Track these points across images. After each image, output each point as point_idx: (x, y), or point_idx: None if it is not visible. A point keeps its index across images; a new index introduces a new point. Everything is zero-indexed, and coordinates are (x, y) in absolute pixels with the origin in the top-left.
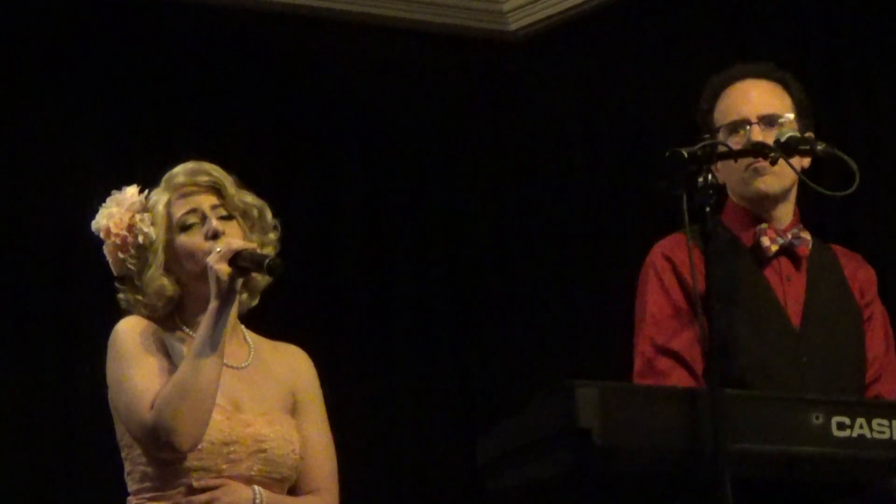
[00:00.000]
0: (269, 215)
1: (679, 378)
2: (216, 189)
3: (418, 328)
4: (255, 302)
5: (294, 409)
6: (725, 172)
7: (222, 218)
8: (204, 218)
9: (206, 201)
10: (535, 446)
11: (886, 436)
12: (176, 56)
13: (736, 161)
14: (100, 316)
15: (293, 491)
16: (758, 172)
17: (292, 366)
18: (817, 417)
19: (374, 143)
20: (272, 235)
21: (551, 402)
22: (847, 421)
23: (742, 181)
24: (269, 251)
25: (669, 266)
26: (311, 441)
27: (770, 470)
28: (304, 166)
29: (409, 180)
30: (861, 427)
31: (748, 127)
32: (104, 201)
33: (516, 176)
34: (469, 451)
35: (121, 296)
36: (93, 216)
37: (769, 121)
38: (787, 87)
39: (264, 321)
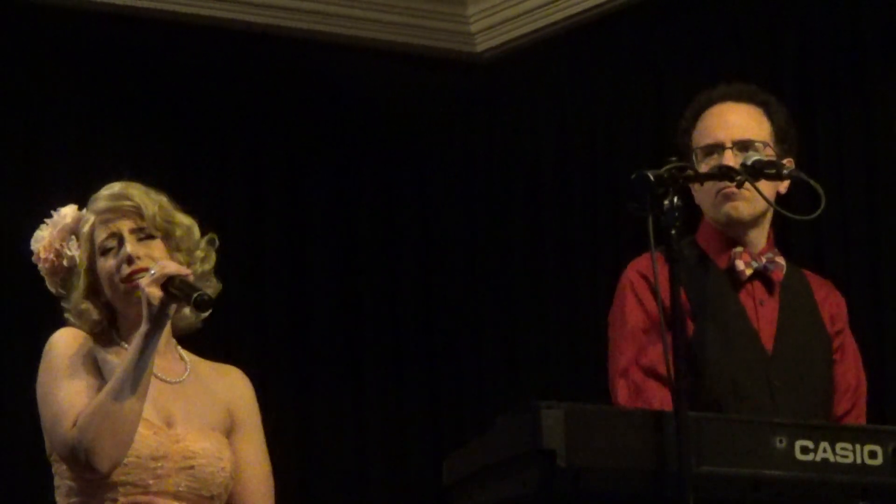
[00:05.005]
0: (196, 233)
1: (655, 390)
2: (137, 212)
3: (387, 347)
4: (201, 320)
5: (231, 429)
6: (700, 195)
7: (144, 238)
8: (122, 242)
9: (126, 225)
10: (500, 467)
11: (849, 460)
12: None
13: (702, 184)
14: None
15: None
16: (728, 198)
17: (231, 385)
18: (781, 441)
19: (341, 164)
20: (200, 253)
21: (517, 422)
22: (811, 445)
23: (713, 205)
24: (198, 269)
25: (645, 283)
26: (249, 461)
27: (734, 493)
28: (271, 183)
29: (376, 200)
30: (824, 451)
31: (722, 151)
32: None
33: (485, 196)
34: (436, 471)
35: (66, 315)
36: None
37: (744, 146)
38: (767, 112)
39: (230, 342)
